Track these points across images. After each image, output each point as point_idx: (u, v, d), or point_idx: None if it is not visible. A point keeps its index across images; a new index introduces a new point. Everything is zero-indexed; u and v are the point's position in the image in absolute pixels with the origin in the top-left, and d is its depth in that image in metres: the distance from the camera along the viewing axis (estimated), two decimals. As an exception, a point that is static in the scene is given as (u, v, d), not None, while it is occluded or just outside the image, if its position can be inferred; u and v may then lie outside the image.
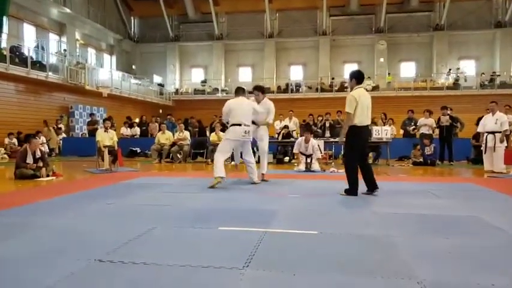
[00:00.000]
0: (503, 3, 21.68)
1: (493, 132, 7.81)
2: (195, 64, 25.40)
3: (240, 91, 5.79)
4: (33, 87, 14.50)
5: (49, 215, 3.56)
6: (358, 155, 4.75)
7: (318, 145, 8.41)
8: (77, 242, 2.68)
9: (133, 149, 12.52)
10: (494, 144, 7.74)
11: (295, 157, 8.58)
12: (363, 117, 4.64)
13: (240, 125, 5.43)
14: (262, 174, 6.10)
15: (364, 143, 4.85)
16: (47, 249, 2.52)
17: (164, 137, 10.65)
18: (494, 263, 2.30)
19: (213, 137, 10.60)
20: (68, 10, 18.01)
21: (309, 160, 8.01)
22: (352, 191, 4.66)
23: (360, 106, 4.58)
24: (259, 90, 6.16)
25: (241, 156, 6.05)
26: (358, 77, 4.79)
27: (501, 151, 7.76)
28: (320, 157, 8.42)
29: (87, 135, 14.55)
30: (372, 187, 4.73)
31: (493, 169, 7.72)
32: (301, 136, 9.99)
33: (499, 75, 20.94)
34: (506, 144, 7.93)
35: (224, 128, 11.85)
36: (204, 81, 24.21)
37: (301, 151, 8.19)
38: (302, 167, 8.01)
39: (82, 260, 2.26)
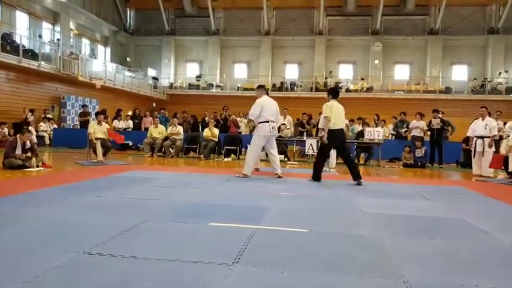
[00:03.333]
0: (496, 10, 21.91)
1: (482, 137, 7.93)
2: (190, 59, 25.25)
3: (262, 89, 6.47)
4: (25, 76, 14.29)
5: (38, 206, 3.54)
6: (328, 152, 6.25)
7: (311, 144, 8.48)
8: (67, 234, 2.67)
9: (126, 142, 12.44)
10: (483, 148, 7.86)
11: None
12: (335, 121, 5.78)
13: (267, 122, 6.12)
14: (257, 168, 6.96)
15: (342, 142, 6.03)
16: (35, 239, 2.51)
17: (157, 131, 10.60)
18: (479, 265, 2.35)
19: (206, 132, 10.58)
20: (62, -1, 17.79)
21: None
22: (317, 177, 5.93)
23: (333, 112, 5.75)
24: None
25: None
26: (333, 93, 6.08)
27: (490, 156, 7.88)
28: None
29: (78, 127, 14.40)
30: (356, 177, 5.76)
31: (481, 173, 7.84)
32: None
33: (490, 81, 21.21)
34: (494, 149, 8.07)
35: (218, 124, 11.85)
36: (199, 76, 24.09)
37: None
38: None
39: (71, 252, 2.26)
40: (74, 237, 2.58)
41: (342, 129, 5.96)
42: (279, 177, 6.19)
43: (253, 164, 6.20)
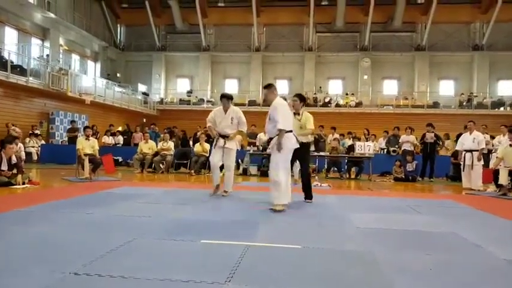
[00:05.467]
0: (480, 28, 22.56)
1: (470, 151, 8.03)
2: (181, 74, 25.32)
3: (274, 88, 4.93)
4: (12, 91, 14.12)
5: (24, 224, 3.44)
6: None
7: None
8: (53, 253, 2.59)
9: (115, 157, 12.28)
10: (472, 162, 7.95)
11: None
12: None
13: (291, 131, 4.67)
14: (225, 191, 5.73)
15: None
16: (20, 259, 2.42)
17: (147, 147, 10.50)
18: (473, 279, 2.33)
19: (197, 147, 10.53)
20: (52, 15, 17.74)
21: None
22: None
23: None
24: (228, 98, 5.69)
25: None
26: (304, 100, 5.77)
27: (479, 169, 7.97)
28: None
29: (67, 143, 14.21)
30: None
31: (470, 186, 7.91)
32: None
33: (476, 96, 21.67)
34: (483, 162, 8.16)
35: (209, 139, 11.78)
36: (189, 92, 24.12)
37: None
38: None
39: (57, 272, 2.18)
40: (60, 257, 2.50)
41: None
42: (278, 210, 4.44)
43: (287, 189, 4.57)
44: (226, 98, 5.72)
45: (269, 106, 4.73)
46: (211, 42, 24.55)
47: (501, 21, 20.94)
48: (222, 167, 5.85)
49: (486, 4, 21.35)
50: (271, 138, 4.75)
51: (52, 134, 15.90)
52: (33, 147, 13.22)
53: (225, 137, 5.59)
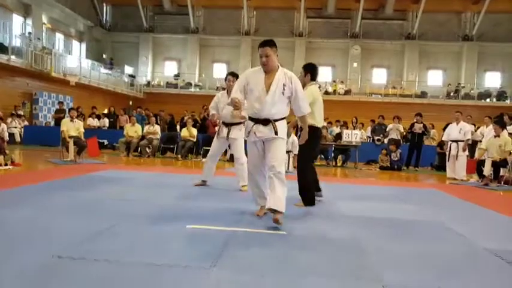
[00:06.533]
0: (471, 18, 22.67)
1: (456, 141, 8.14)
2: (169, 57, 24.86)
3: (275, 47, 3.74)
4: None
5: (5, 207, 3.35)
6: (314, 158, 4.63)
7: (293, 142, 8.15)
8: (35, 237, 2.53)
9: (101, 140, 12.07)
10: (457, 152, 8.07)
11: None
12: (321, 117, 4.17)
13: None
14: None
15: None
16: (0, 243, 2.36)
17: (133, 130, 10.34)
18: (457, 268, 2.37)
19: (184, 132, 10.42)
20: (34, -10, 17.10)
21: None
22: (310, 199, 4.02)
23: (318, 104, 4.06)
24: (234, 75, 4.84)
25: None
26: (313, 71, 4.23)
27: (463, 159, 8.10)
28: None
29: (51, 124, 13.89)
30: (317, 188, 4.33)
31: (455, 176, 8.05)
32: None
33: (463, 86, 21.92)
34: (468, 153, 8.30)
35: (196, 124, 11.65)
36: (177, 75, 23.76)
37: None
38: None
39: (39, 256, 2.13)
40: (43, 240, 2.44)
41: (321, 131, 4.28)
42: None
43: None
44: (232, 75, 4.83)
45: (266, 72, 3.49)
46: (200, 25, 24.09)
47: (492, 12, 21.00)
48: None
49: (477, -6, 21.42)
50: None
51: (36, 115, 15.51)
52: (15, 128, 12.89)
53: (228, 125, 4.83)
